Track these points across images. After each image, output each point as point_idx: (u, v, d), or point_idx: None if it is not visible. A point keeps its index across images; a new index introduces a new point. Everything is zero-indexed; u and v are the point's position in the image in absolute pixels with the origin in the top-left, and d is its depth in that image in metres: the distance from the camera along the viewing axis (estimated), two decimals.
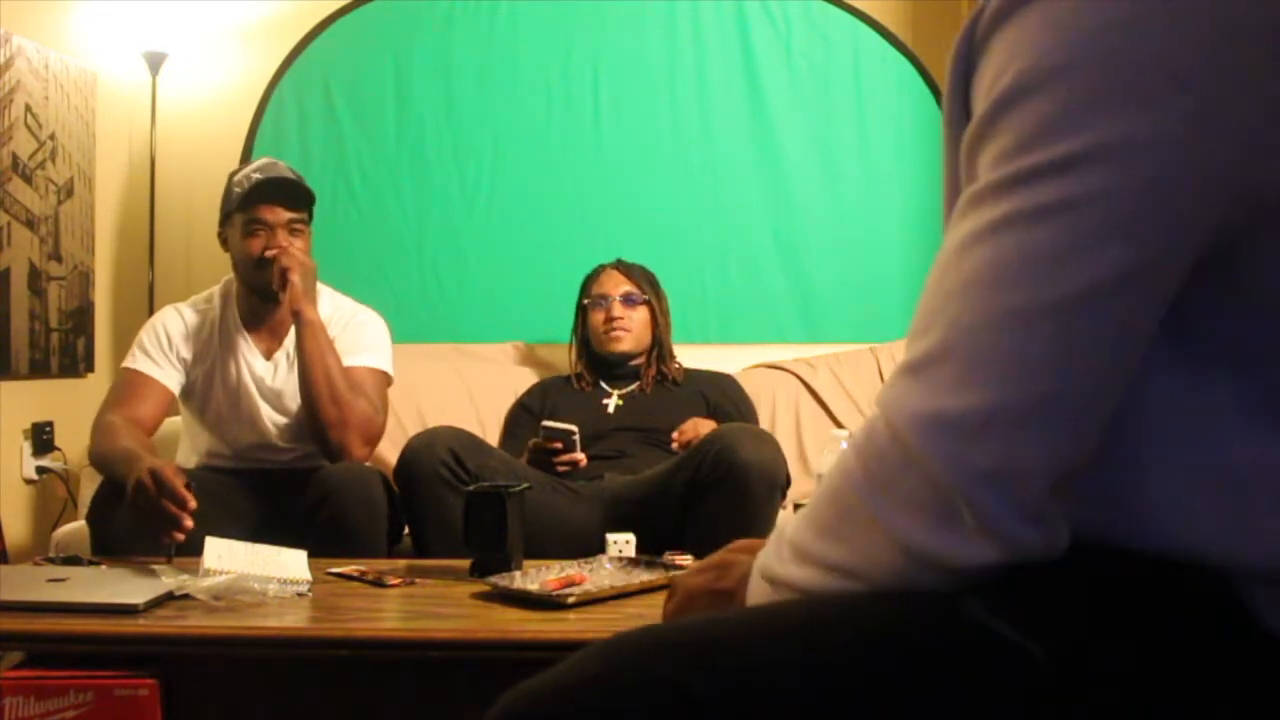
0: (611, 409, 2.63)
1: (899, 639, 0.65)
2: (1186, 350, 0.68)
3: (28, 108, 2.91)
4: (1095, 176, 0.62)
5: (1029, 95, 0.64)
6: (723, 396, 2.67)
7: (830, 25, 3.25)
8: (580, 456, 2.43)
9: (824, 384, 2.98)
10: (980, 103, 0.68)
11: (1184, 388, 0.68)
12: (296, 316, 2.20)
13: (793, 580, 0.73)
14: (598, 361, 2.73)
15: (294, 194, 2.29)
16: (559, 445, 2.42)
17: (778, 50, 3.24)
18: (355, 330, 2.35)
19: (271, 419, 2.32)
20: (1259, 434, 0.67)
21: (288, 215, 2.27)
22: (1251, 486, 0.67)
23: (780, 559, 0.75)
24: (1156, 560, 0.68)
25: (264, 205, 2.26)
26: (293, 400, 2.29)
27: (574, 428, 2.44)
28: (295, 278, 2.19)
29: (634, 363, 2.70)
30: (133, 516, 1.85)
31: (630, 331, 2.67)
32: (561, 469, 2.42)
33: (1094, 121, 0.62)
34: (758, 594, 0.77)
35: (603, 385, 2.70)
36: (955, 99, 0.73)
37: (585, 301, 2.73)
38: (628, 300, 2.68)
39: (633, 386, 2.67)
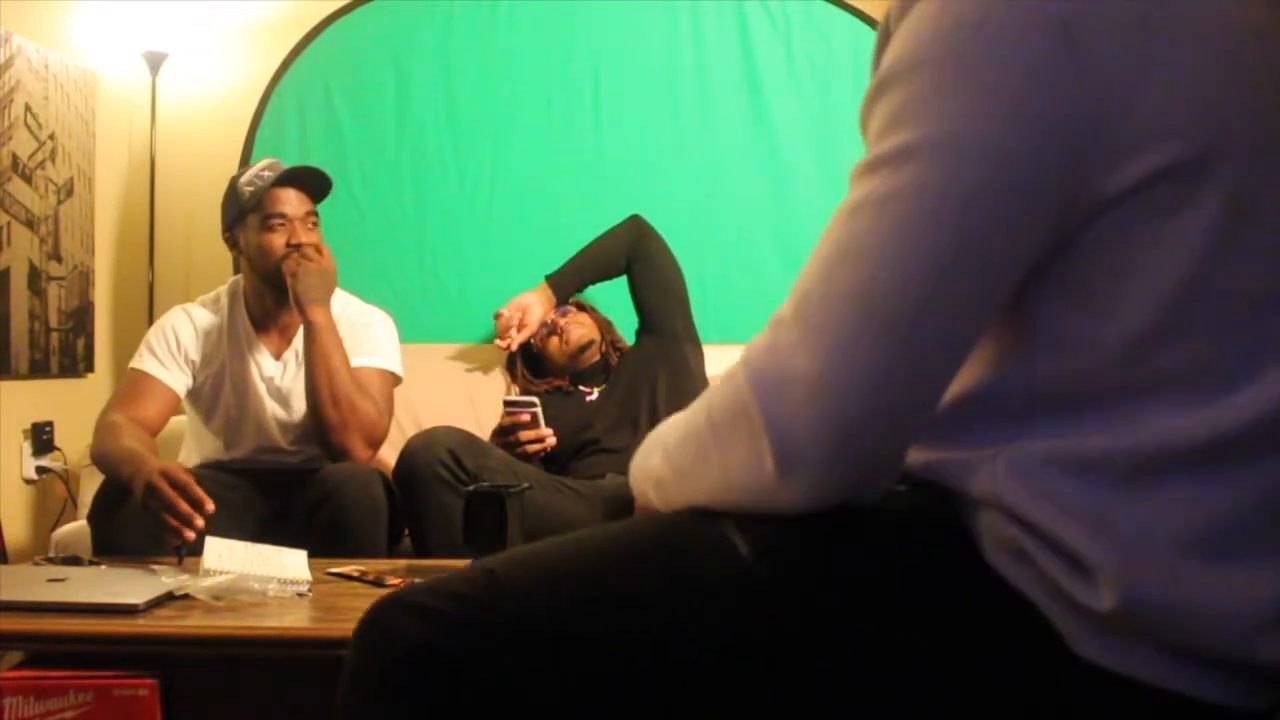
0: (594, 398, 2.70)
1: (655, 544, 0.77)
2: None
3: (28, 108, 2.91)
4: (930, 167, 0.66)
5: (893, 83, 0.69)
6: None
7: (830, 25, 3.25)
8: (547, 432, 2.43)
9: None
10: None
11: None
12: (303, 318, 2.21)
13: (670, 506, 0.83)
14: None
15: (315, 181, 2.31)
16: (525, 418, 2.41)
17: (778, 50, 3.23)
18: (364, 330, 2.35)
19: (279, 420, 2.32)
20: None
21: (306, 208, 2.29)
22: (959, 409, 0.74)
23: (658, 488, 0.85)
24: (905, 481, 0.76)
25: (285, 198, 2.27)
26: (300, 401, 2.29)
27: (535, 399, 2.44)
28: (293, 282, 2.21)
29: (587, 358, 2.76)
30: (147, 518, 1.85)
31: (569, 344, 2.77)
32: (532, 448, 2.42)
33: (936, 113, 0.66)
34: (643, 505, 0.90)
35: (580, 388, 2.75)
36: None
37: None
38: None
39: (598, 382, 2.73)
